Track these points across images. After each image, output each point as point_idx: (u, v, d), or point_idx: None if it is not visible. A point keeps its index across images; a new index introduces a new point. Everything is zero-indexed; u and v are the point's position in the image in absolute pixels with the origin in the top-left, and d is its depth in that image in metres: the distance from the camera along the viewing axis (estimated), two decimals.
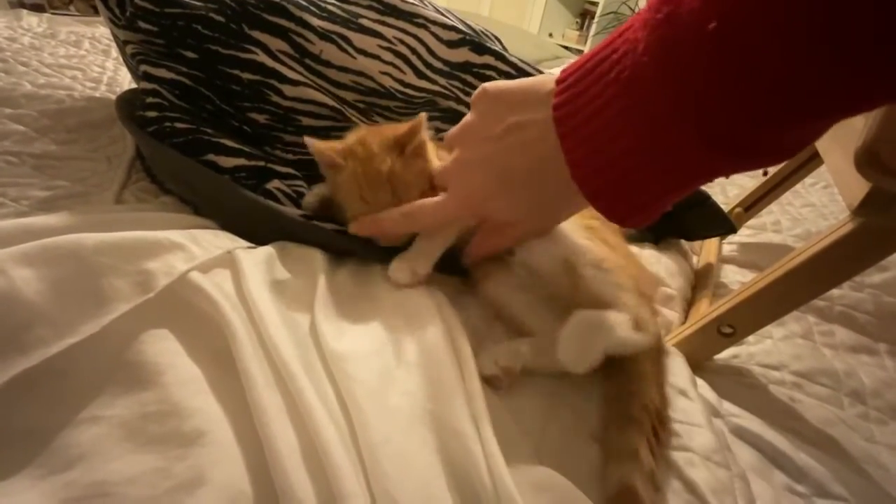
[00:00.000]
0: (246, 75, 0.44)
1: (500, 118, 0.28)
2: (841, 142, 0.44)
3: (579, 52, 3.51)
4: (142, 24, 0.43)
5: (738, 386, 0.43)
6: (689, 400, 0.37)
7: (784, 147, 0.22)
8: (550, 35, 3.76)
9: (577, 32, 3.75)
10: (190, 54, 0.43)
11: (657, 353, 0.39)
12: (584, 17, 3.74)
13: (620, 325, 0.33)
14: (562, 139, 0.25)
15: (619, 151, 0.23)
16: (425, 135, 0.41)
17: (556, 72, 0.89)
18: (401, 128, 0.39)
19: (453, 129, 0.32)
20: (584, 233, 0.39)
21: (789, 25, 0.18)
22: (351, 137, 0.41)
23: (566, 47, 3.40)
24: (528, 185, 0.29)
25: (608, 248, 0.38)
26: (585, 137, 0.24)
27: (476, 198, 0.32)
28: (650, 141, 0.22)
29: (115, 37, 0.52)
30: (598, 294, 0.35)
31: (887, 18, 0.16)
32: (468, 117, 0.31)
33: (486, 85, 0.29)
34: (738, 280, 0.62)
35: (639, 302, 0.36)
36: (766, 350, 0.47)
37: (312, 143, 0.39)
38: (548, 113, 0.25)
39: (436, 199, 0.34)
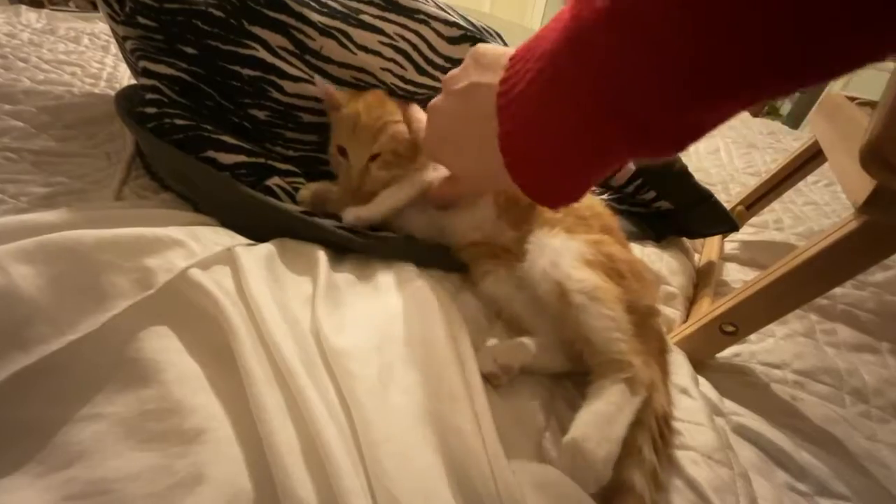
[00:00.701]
0: (246, 71, 0.44)
1: (468, 75, 0.30)
2: (845, 139, 0.44)
3: None
4: (141, 20, 0.42)
5: (740, 384, 0.43)
6: (690, 398, 0.37)
7: (687, 131, 0.22)
8: None
9: None
10: (189, 50, 0.43)
11: (659, 354, 0.39)
12: None
13: (617, 424, 0.30)
14: (498, 110, 0.27)
15: (534, 127, 0.25)
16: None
17: None
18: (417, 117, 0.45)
19: (446, 75, 0.34)
20: (589, 249, 0.39)
21: (685, 10, 0.18)
22: (368, 92, 0.47)
23: None
24: (470, 143, 0.31)
25: (604, 275, 0.38)
26: (514, 112, 0.26)
27: (433, 142, 0.35)
28: (562, 116, 0.24)
29: (115, 32, 0.52)
30: (587, 330, 0.34)
31: None
32: (456, 69, 0.33)
33: (480, 45, 0.31)
34: (739, 278, 0.61)
35: (630, 341, 0.35)
36: (767, 348, 0.47)
37: (321, 83, 0.45)
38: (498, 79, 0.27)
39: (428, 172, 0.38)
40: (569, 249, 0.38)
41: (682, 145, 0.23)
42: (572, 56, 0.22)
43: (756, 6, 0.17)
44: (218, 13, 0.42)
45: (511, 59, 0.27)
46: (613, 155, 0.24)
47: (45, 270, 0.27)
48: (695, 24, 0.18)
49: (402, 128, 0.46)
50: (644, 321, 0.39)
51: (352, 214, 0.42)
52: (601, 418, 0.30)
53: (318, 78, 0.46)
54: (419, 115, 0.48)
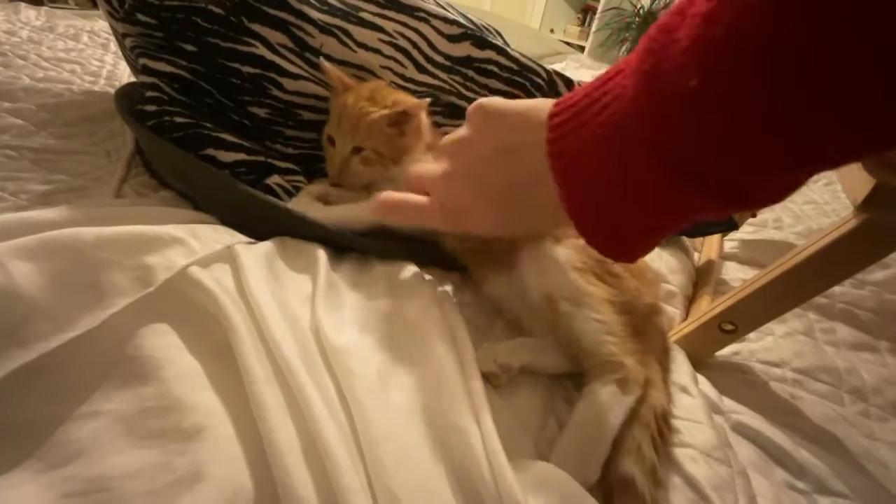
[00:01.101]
0: (246, 69, 0.44)
1: (494, 138, 0.29)
2: None
3: (580, 48, 3.49)
4: (141, 17, 0.42)
5: (739, 383, 0.43)
6: (690, 396, 0.37)
7: (772, 195, 0.22)
8: (552, 31, 3.74)
9: (579, 28, 3.72)
10: (189, 47, 0.42)
11: (662, 353, 0.39)
12: (586, 12, 3.72)
13: (608, 426, 0.31)
14: (556, 173, 0.25)
15: (611, 193, 0.24)
16: (423, 119, 0.44)
17: (557, 67, 0.89)
18: (406, 101, 0.44)
19: (446, 139, 0.32)
20: (578, 256, 0.39)
21: (775, 85, 0.18)
22: (371, 81, 0.47)
23: (567, 43, 3.39)
24: (512, 208, 0.29)
25: (595, 279, 0.38)
26: (578, 177, 0.25)
27: (460, 213, 0.32)
28: (638, 187, 0.23)
29: (114, 30, 0.52)
30: (577, 334, 0.35)
31: (884, 78, 0.16)
32: (462, 131, 0.31)
33: (483, 101, 0.29)
34: (739, 277, 0.62)
35: (621, 342, 0.35)
36: (767, 347, 0.47)
37: (324, 63, 0.45)
38: (540, 138, 0.26)
39: (422, 200, 0.34)
40: (555, 258, 0.38)
41: (767, 205, 0.23)
42: (649, 126, 0.21)
43: (843, 72, 0.16)
44: (218, 10, 0.42)
45: (554, 118, 0.26)
46: (697, 219, 0.24)
47: (45, 268, 0.27)
48: (789, 96, 0.18)
49: (378, 117, 0.45)
50: (645, 320, 0.39)
51: (306, 199, 0.44)
52: (590, 421, 0.31)
53: (323, 60, 0.46)
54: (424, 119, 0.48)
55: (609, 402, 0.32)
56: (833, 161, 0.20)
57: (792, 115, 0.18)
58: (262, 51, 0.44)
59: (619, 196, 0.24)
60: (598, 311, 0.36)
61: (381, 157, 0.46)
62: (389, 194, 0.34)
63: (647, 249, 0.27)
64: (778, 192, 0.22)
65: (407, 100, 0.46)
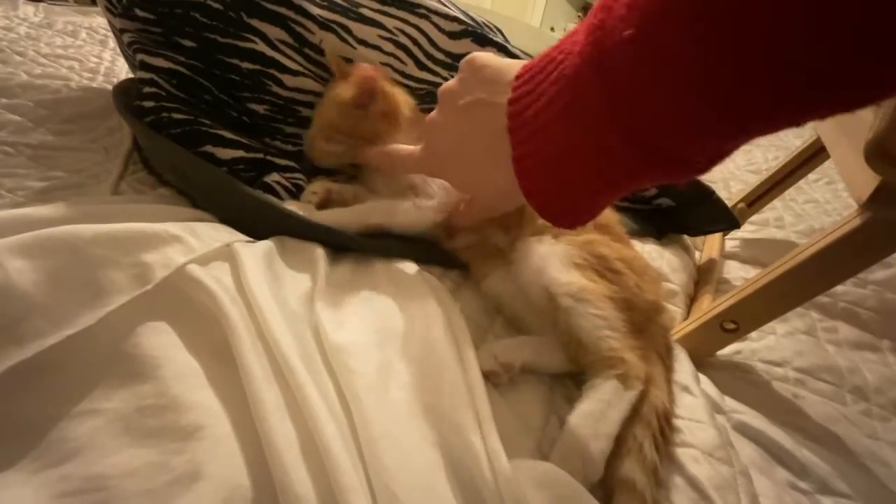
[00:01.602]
0: (245, 65, 0.43)
1: (472, 91, 0.29)
2: (849, 135, 0.43)
3: None
4: (138, 12, 0.42)
5: (741, 382, 0.43)
6: (691, 396, 0.37)
7: (711, 158, 0.22)
8: (552, 29, 3.73)
9: None
10: (188, 43, 0.42)
11: (665, 351, 0.38)
12: (586, 10, 3.70)
13: (609, 422, 0.31)
14: (510, 133, 0.26)
15: (555, 150, 0.25)
16: (397, 105, 0.44)
17: None
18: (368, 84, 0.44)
19: (441, 87, 0.33)
20: (577, 252, 0.39)
21: (713, 39, 0.18)
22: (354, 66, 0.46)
23: None
24: (480, 163, 0.30)
25: (595, 275, 0.38)
26: (527, 136, 0.25)
27: (436, 159, 0.34)
28: (582, 142, 0.23)
29: (112, 25, 0.52)
30: (577, 330, 0.35)
31: (826, 31, 0.16)
32: (452, 80, 0.32)
33: (475, 54, 0.30)
34: (740, 276, 0.61)
35: (622, 338, 0.35)
36: (768, 346, 0.47)
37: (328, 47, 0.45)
38: (506, 98, 0.26)
39: (409, 148, 0.36)
40: (554, 254, 0.38)
41: (706, 170, 0.23)
42: (595, 84, 0.21)
43: (785, 32, 0.16)
44: (216, 5, 0.41)
45: (518, 78, 0.26)
46: (635, 180, 0.24)
47: (42, 265, 0.27)
48: (724, 53, 0.18)
49: (341, 98, 0.45)
50: (647, 317, 0.39)
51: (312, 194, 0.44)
52: (591, 417, 0.31)
53: (326, 42, 0.46)
54: (399, 97, 0.47)
55: (610, 397, 0.32)
56: (768, 121, 0.19)
57: (725, 69, 0.18)
58: (261, 47, 0.44)
59: (564, 155, 0.24)
60: (597, 306, 0.35)
61: (338, 133, 0.45)
62: (381, 147, 0.37)
63: (590, 215, 0.27)
64: (714, 153, 0.22)
65: (386, 90, 0.46)
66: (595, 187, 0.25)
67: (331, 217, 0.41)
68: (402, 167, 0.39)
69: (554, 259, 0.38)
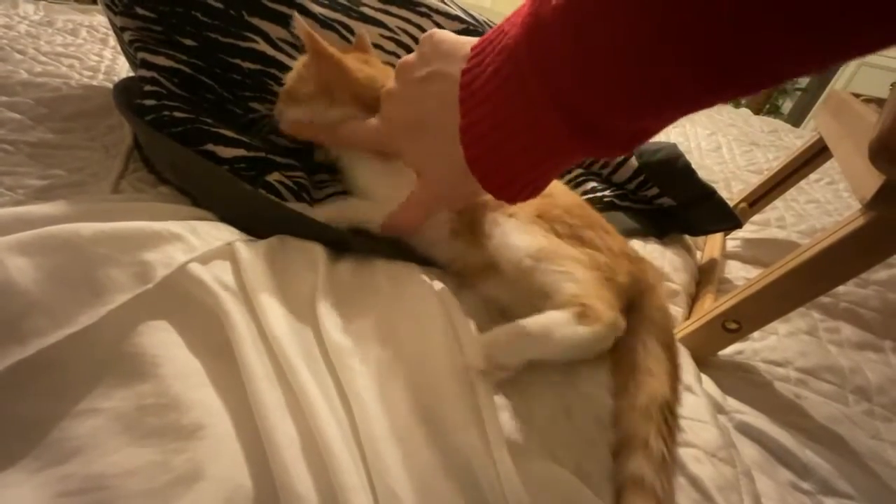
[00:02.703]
0: (247, 64, 0.43)
1: (427, 62, 0.30)
2: (852, 135, 0.43)
3: None
4: (139, 10, 0.42)
5: (743, 382, 0.43)
6: (694, 396, 0.37)
7: (640, 134, 0.23)
8: None
9: None
10: (189, 42, 0.42)
11: (669, 345, 0.37)
12: None
13: (549, 331, 0.31)
14: (460, 103, 0.27)
15: (494, 122, 0.25)
16: (333, 63, 0.40)
17: None
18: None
19: (400, 60, 0.33)
20: (542, 223, 0.39)
21: (632, 19, 0.18)
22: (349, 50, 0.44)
23: None
24: (435, 135, 0.30)
25: (553, 237, 0.37)
26: (473, 106, 0.26)
27: (392, 128, 0.34)
28: (520, 112, 0.24)
29: (113, 24, 0.51)
30: (539, 286, 0.34)
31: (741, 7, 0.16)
32: (411, 55, 0.32)
33: (435, 30, 0.31)
34: (742, 276, 0.61)
35: (589, 288, 0.33)
36: (770, 346, 0.47)
37: (298, 18, 0.41)
38: (459, 70, 0.27)
39: (369, 121, 0.36)
40: (515, 223, 0.38)
41: (630, 147, 0.24)
42: (528, 53, 0.22)
43: (706, 11, 0.17)
44: (217, 4, 0.41)
45: (473, 50, 0.27)
46: (566, 153, 0.25)
47: (43, 263, 0.26)
48: (646, 27, 0.18)
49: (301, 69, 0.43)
50: (635, 291, 0.38)
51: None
52: (521, 330, 0.31)
53: (297, 15, 0.42)
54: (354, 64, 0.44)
55: (559, 320, 0.31)
56: (686, 99, 0.20)
57: (643, 42, 0.18)
58: (262, 46, 0.43)
59: (504, 124, 0.25)
60: (560, 264, 0.35)
61: (289, 95, 0.43)
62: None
63: (532, 187, 0.27)
64: (637, 129, 0.23)
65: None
66: (532, 158, 0.26)
67: (333, 209, 0.42)
68: (362, 141, 0.38)
69: (514, 228, 0.38)
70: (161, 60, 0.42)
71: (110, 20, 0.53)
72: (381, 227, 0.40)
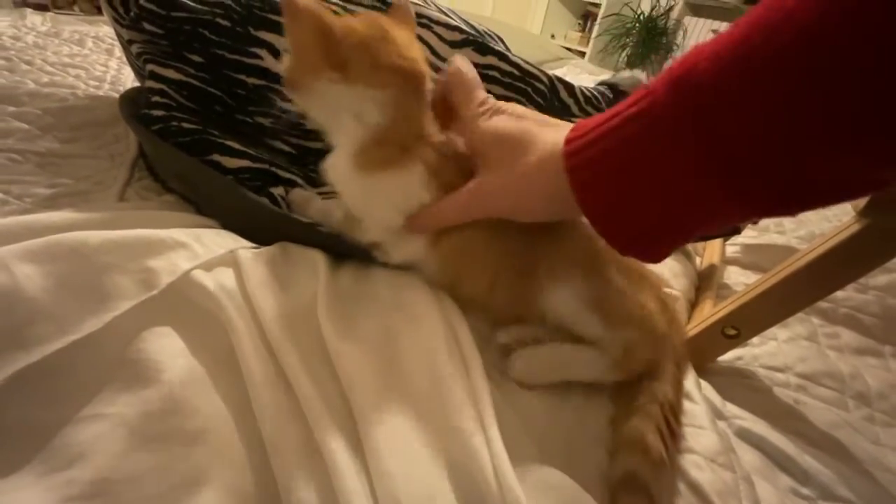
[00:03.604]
0: (251, 80, 0.44)
1: (516, 155, 0.30)
2: None
3: (581, 53, 3.51)
4: (146, 26, 0.43)
5: (743, 388, 0.43)
6: (693, 402, 0.37)
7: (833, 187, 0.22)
8: (553, 36, 3.76)
9: (580, 34, 3.74)
10: (196, 58, 0.43)
11: (677, 354, 0.38)
12: (587, 18, 3.74)
13: (588, 368, 0.34)
14: (569, 171, 0.26)
15: (637, 194, 0.25)
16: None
17: (558, 73, 0.89)
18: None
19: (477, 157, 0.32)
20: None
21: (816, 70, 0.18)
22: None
23: (568, 48, 3.40)
24: (537, 213, 0.31)
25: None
26: (600, 183, 0.26)
27: (487, 213, 0.33)
28: (665, 175, 0.23)
29: (119, 35, 0.53)
30: (585, 333, 0.35)
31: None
32: (485, 146, 0.32)
33: (497, 125, 0.31)
34: (741, 281, 0.61)
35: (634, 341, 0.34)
36: (770, 352, 0.47)
37: None
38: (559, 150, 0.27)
39: (458, 199, 0.33)
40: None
41: (807, 207, 0.22)
42: (686, 123, 0.22)
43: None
44: (225, 22, 0.42)
45: (575, 132, 0.27)
46: (724, 216, 0.24)
47: (50, 270, 0.27)
48: (821, 85, 0.18)
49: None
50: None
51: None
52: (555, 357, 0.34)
53: None
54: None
55: (599, 365, 0.34)
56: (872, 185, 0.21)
57: (824, 92, 0.18)
58: (267, 62, 0.44)
59: (646, 194, 0.24)
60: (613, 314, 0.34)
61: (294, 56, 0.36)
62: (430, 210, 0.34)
63: (665, 251, 0.27)
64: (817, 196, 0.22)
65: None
66: (679, 224, 0.25)
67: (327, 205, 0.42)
68: (464, 211, 0.33)
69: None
70: (170, 73, 0.42)
71: (117, 32, 0.54)
72: (409, 221, 0.35)
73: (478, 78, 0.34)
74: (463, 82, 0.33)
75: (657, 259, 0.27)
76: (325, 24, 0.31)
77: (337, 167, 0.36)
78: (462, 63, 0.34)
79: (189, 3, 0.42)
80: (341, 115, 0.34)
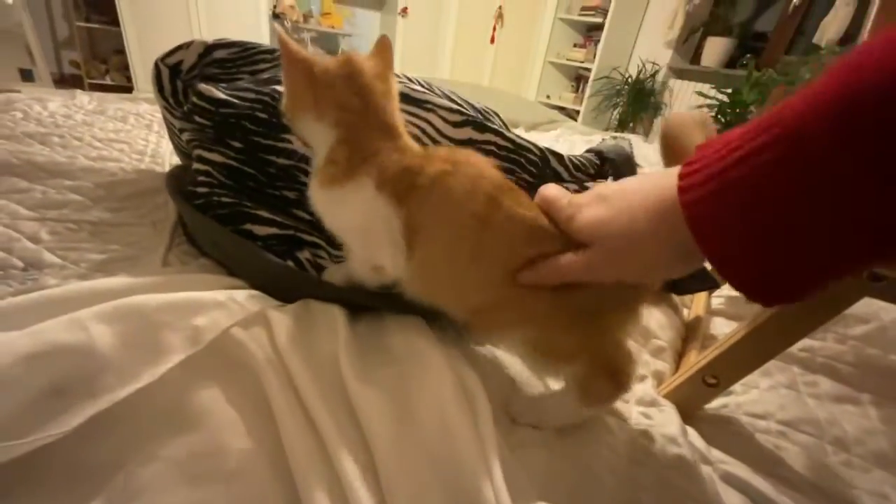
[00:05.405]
0: (280, 160, 0.52)
1: (633, 216, 0.29)
2: None
3: (576, 111, 3.75)
4: (197, 119, 0.51)
5: (727, 434, 0.46)
6: (677, 447, 0.40)
7: None
8: (548, 97, 4.03)
9: (573, 94, 4.01)
10: (236, 143, 0.51)
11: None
12: (579, 80, 4.03)
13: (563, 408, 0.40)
14: (684, 207, 0.25)
15: (768, 231, 0.23)
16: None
17: (552, 134, 0.99)
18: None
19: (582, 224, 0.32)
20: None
21: None
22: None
23: (563, 108, 3.64)
24: (661, 269, 0.32)
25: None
26: (725, 226, 0.24)
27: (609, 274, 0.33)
28: (836, 205, 0.21)
29: (170, 123, 0.61)
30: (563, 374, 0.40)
31: None
32: (594, 214, 0.32)
33: (603, 191, 0.32)
34: (726, 332, 0.65)
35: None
36: (752, 399, 0.50)
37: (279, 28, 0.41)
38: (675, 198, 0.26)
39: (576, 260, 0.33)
40: None
41: None
42: (858, 132, 0.19)
43: None
44: (262, 115, 0.51)
45: (687, 168, 0.25)
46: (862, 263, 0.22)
47: (119, 329, 0.32)
48: None
49: None
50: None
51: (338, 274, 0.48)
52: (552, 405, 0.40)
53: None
54: None
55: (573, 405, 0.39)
56: None
57: None
58: (295, 145, 0.52)
59: (780, 231, 0.22)
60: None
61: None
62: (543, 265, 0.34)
63: (800, 294, 0.24)
64: None
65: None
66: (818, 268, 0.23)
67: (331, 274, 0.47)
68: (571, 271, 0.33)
69: None
70: (215, 157, 0.50)
71: (167, 120, 0.63)
72: (521, 276, 0.35)
73: (555, 189, 0.36)
74: (545, 200, 0.35)
75: (796, 299, 0.24)
76: (310, 66, 0.38)
77: (310, 188, 0.42)
78: (542, 189, 0.36)
79: (234, 100, 0.51)
80: (317, 139, 0.41)
